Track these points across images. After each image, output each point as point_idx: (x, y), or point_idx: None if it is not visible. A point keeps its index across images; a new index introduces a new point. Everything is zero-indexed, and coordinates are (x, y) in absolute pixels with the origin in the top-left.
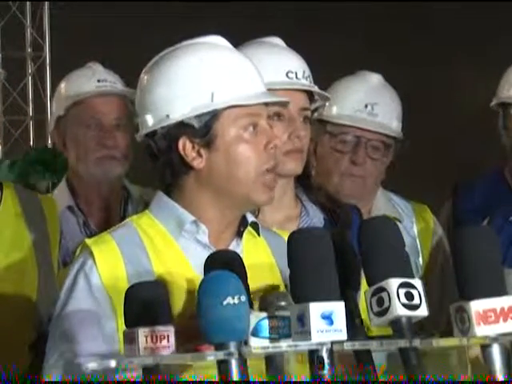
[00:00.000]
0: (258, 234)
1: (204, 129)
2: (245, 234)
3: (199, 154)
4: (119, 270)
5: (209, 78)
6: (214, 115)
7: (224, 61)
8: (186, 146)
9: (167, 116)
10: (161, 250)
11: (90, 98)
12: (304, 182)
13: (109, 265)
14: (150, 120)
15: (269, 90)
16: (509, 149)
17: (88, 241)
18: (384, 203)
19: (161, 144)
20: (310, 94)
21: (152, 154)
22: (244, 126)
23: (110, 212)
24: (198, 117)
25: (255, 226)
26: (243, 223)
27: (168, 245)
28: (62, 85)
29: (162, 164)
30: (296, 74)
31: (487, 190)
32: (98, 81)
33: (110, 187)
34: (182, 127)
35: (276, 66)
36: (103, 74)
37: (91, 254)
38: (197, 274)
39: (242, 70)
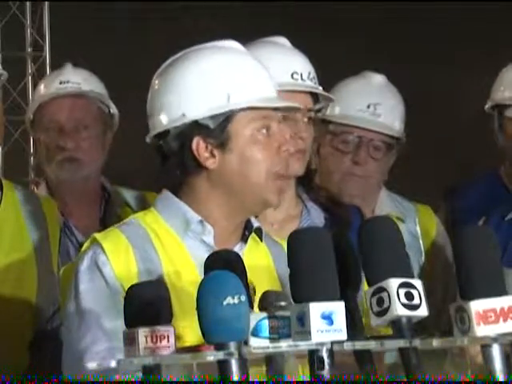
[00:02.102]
0: (261, 240)
1: (218, 129)
2: (249, 239)
3: (212, 155)
4: (131, 265)
5: (225, 79)
6: (229, 116)
7: (240, 63)
8: (199, 146)
9: (183, 115)
10: (168, 249)
11: (50, 101)
12: (305, 182)
13: (121, 259)
14: (164, 119)
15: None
16: (504, 150)
17: (97, 235)
18: (387, 203)
19: (173, 144)
20: (314, 95)
21: (162, 154)
22: (258, 128)
23: (89, 212)
24: (213, 117)
25: (259, 231)
26: (248, 228)
27: (175, 244)
28: (37, 87)
29: (173, 164)
30: (301, 75)
31: (483, 191)
32: (60, 82)
33: (82, 188)
34: (196, 127)
35: (281, 66)
36: (67, 75)
37: (102, 248)
38: (199, 275)
39: (256, 73)
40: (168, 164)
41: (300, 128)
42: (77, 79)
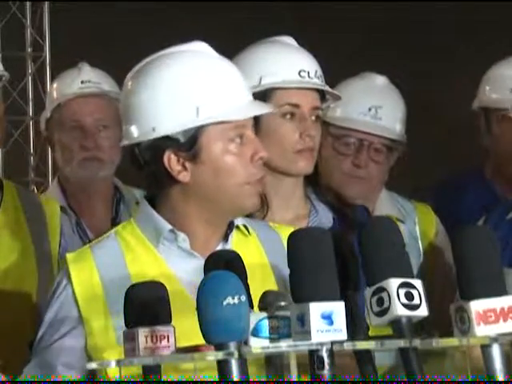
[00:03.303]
0: (249, 233)
1: (189, 143)
2: (235, 235)
3: (184, 168)
4: (94, 286)
5: (194, 91)
6: (200, 129)
7: (209, 72)
8: (171, 160)
9: (153, 129)
10: (141, 259)
11: (72, 100)
12: (313, 182)
13: (84, 281)
14: (134, 131)
15: (281, 88)
16: (490, 150)
17: (69, 256)
18: (387, 203)
19: (146, 155)
20: (321, 94)
21: (137, 162)
22: (231, 139)
23: (101, 212)
24: (184, 131)
25: (244, 226)
26: (230, 226)
27: (148, 253)
28: (52, 86)
29: (148, 174)
30: (308, 73)
31: (469, 189)
32: (82, 82)
33: (98, 188)
34: (167, 141)
35: (289, 64)
36: (87, 75)
37: (67, 272)
38: (180, 282)
39: (227, 80)
40: (143, 174)
41: (308, 126)
42: (97, 79)
